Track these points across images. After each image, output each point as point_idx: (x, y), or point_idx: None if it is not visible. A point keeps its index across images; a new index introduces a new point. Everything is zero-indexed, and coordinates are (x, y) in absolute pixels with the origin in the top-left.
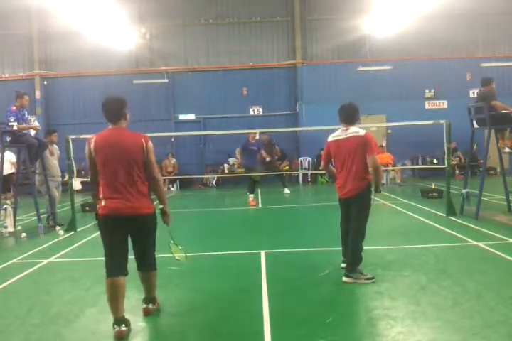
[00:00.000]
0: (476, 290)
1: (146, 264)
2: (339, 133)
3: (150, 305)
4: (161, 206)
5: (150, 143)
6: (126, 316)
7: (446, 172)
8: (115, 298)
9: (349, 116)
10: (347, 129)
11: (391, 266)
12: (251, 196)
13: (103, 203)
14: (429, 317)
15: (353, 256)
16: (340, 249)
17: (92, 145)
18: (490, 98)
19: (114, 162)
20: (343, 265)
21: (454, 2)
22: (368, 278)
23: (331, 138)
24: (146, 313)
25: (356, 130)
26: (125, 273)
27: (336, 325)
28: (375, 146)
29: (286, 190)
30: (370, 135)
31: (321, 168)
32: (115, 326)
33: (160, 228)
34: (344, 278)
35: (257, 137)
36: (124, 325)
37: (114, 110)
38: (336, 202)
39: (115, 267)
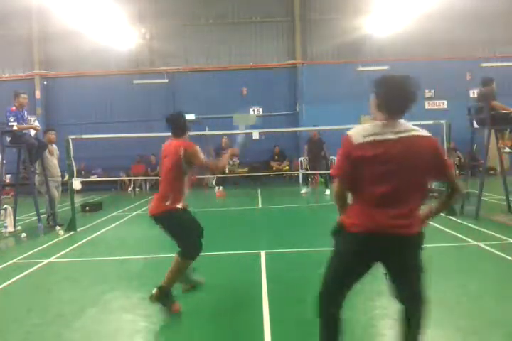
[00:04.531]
0: (476, 290)
1: None
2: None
3: (154, 290)
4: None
5: (190, 150)
6: (127, 314)
7: None
8: None
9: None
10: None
11: None
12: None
13: None
14: (428, 317)
15: None
16: None
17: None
18: (490, 98)
19: (161, 166)
20: None
21: (454, 2)
22: None
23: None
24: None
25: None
26: None
27: None
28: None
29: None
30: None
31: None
32: None
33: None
34: None
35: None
36: None
37: (172, 127)
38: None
39: None
